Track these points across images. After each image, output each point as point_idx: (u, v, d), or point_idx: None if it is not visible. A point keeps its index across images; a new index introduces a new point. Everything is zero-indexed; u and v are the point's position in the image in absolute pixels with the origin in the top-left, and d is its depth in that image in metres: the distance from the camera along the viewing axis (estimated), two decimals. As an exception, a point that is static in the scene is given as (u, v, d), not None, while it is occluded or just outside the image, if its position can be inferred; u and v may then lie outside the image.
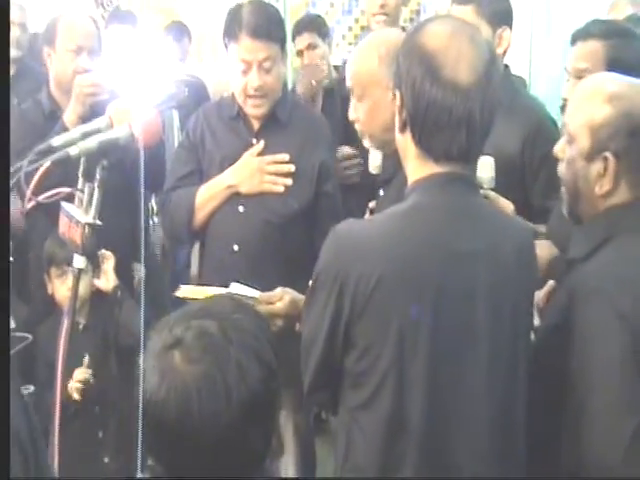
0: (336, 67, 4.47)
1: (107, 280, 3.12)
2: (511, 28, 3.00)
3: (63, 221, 2.32)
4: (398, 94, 1.76)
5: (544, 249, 2.30)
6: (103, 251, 3.08)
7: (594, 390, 1.72)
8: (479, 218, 1.80)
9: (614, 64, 2.39)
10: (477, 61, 1.71)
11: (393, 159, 2.39)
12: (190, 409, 1.33)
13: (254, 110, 2.89)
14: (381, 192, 2.54)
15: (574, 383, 1.76)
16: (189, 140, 3.03)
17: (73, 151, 2.20)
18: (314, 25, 4.52)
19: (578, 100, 1.93)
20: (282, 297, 2.22)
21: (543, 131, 2.84)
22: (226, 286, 2.52)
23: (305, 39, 4.38)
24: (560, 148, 1.97)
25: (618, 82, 1.90)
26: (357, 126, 2.47)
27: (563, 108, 2.54)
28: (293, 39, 4.39)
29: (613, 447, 1.69)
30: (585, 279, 1.81)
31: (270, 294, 2.23)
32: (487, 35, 2.94)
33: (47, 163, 2.18)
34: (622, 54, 2.46)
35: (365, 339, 1.71)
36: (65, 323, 2.33)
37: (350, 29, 5.53)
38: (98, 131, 2.33)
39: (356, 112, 2.44)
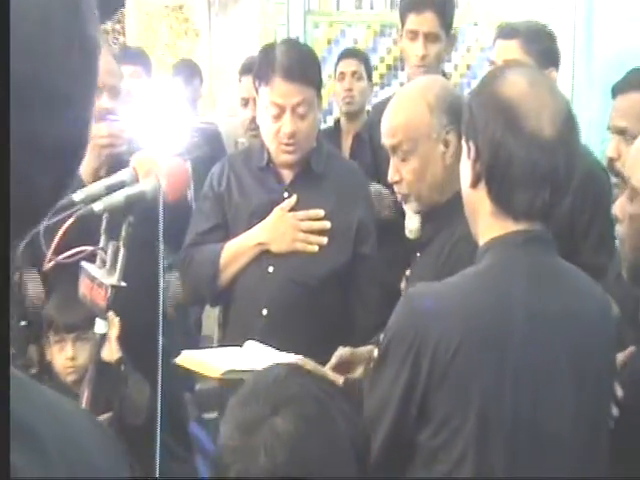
0: (367, 111, 4.61)
1: (110, 350, 3.05)
2: (557, 70, 3.06)
3: (84, 282, 2.37)
4: (473, 146, 1.80)
5: None
6: (110, 314, 3.08)
7: None
8: (560, 279, 1.85)
9: None
10: (559, 112, 1.78)
11: (432, 221, 2.49)
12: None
13: (286, 157, 2.90)
14: (418, 254, 2.57)
15: None
16: (213, 191, 3.04)
17: (97, 207, 2.26)
18: (362, 56, 4.88)
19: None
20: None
21: (595, 180, 2.89)
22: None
23: (351, 64, 4.71)
24: (619, 207, 2.01)
25: None
26: (399, 188, 2.49)
27: (610, 168, 2.59)
28: (337, 63, 4.66)
29: None
30: None
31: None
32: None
33: (70, 219, 2.22)
34: None
35: (443, 411, 1.73)
36: (85, 395, 2.37)
37: (375, 68, 5.61)
38: (122, 184, 2.40)
39: (399, 173, 2.45)
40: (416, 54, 3.51)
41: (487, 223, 1.83)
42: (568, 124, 1.78)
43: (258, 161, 3.01)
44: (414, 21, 3.51)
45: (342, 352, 2.36)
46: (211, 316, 4.86)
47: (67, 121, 0.80)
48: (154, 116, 2.60)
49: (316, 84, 2.92)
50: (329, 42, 5.82)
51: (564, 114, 1.78)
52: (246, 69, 3.89)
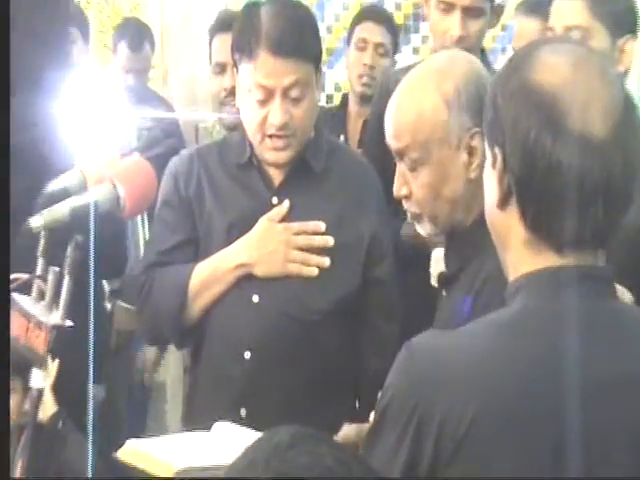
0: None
1: (44, 405, 3.09)
2: (636, 38, 3.08)
3: (17, 321, 2.36)
4: (499, 153, 1.75)
5: None
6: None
7: None
8: (619, 331, 1.80)
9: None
10: (614, 103, 1.73)
11: (456, 250, 2.48)
12: None
13: (275, 154, 2.89)
14: (444, 293, 2.54)
15: None
16: (179, 196, 3.01)
17: (36, 222, 2.27)
18: (392, 24, 4.80)
19: None
20: None
21: None
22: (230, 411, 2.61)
23: (377, 33, 4.64)
24: None
25: None
26: (408, 205, 2.48)
27: None
28: (355, 24, 4.64)
29: None
30: None
31: None
32: (604, 45, 3.02)
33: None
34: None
35: None
36: (19, 465, 2.38)
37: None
38: (66, 192, 2.40)
39: (407, 186, 2.44)
40: (451, 34, 3.46)
41: (519, 254, 1.78)
42: (626, 119, 1.72)
43: (238, 157, 2.99)
44: None
45: (347, 431, 2.36)
46: (165, 357, 4.90)
47: None
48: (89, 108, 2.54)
49: (315, 58, 2.90)
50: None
51: (621, 106, 1.73)
52: (220, 26, 3.90)
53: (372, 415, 1.87)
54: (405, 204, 2.46)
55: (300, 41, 2.85)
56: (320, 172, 2.95)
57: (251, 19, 2.88)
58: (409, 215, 2.50)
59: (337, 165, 2.98)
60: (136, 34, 5.61)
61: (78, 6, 5.34)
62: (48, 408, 3.10)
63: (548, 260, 1.75)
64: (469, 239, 2.42)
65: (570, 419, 1.68)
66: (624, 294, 2.46)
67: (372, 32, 4.64)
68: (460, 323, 2.15)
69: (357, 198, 2.97)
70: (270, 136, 2.85)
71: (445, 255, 2.55)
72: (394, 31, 4.78)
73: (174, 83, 6.29)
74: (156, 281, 2.96)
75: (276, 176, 2.96)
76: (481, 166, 2.23)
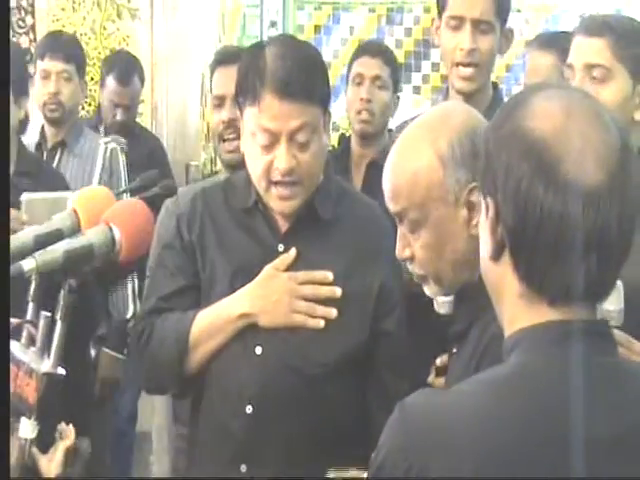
0: (389, 130, 4.61)
1: (51, 465, 3.10)
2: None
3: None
4: (491, 204, 1.74)
5: None
6: (63, 425, 3.09)
7: None
8: (619, 388, 1.78)
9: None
10: (608, 151, 1.70)
11: (466, 303, 2.45)
12: None
13: (281, 204, 2.82)
14: (454, 350, 2.52)
15: None
16: (181, 240, 2.95)
17: (28, 265, 2.27)
18: (391, 57, 4.79)
19: None
20: None
21: None
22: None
23: (374, 67, 4.63)
24: None
25: None
26: (412, 267, 2.45)
27: None
28: (353, 60, 4.65)
29: None
30: None
31: None
32: (624, 88, 3.02)
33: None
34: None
35: None
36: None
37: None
38: (59, 234, 2.40)
39: (410, 248, 2.42)
40: (461, 47, 3.51)
41: (514, 308, 1.76)
42: (622, 165, 1.70)
43: (243, 200, 2.94)
44: (460, 3, 3.52)
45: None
46: (150, 405, 4.88)
47: None
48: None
49: (322, 100, 2.84)
50: (317, 30, 5.85)
51: (617, 154, 1.70)
52: (221, 60, 3.91)
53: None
54: (409, 266, 2.43)
55: (307, 82, 2.78)
56: (328, 219, 2.89)
57: (256, 60, 2.82)
58: (416, 276, 2.45)
59: (346, 212, 2.92)
60: (125, 67, 5.60)
61: (76, 40, 5.29)
62: (54, 468, 3.11)
63: (543, 315, 1.73)
64: (477, 295, 2.29)
65: (567, 475, 1.66)
66: (634, 345, 2.47)
67: (368, 65, 4.64)
68: None
69: (366, 247, 2.92)
70: (276, 183, 2.78)
71: (454, 310, 2.52)
72: (392, 64, 4.74)
73: (163, 119, 6.31)
74: (156, 328, 2.91)
75: (283, 222, 2.90)
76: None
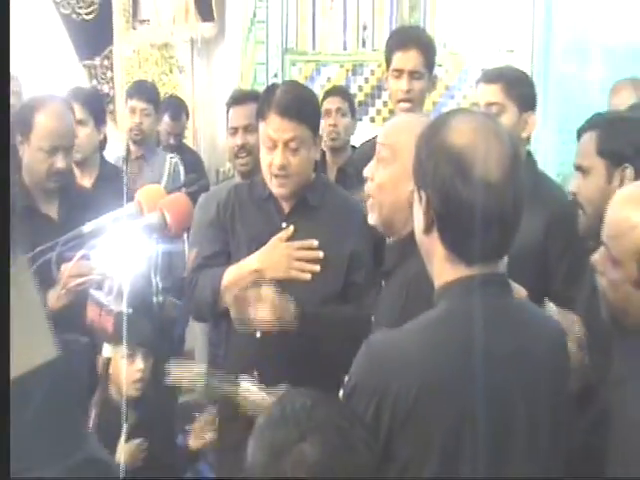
0: (353, 147, 4.61)
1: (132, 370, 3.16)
2: (535, 113, 3.09)
3: (92, 309, 2.33)
4: (424, 195, 1.73)
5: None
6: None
7: None
8: (514, 319, 1.80)
9: (604, 151, 2.51)
10: (504, 156, 1.70)
11: (396, 249, 2.40)
12: None
13: (278, 190, 2.86)
14: (383, 284, 2.48)
15: None
16: (219, 219, 3.01)
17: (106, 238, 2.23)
18: (346, 94, 4.94)
19: (620, 220, 1.96)
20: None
21: (567, 218, 2.85)
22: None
23: (335, 102, 4.77)
24: (600, 262, 2.01)
25: None
26: (367, 188, 2.39)
27: (574, 201, 2.61)
28: (322, 100, 4.61)
29: None
30: (623, 405, 1.86)
31: None
32: (513, 117, 3.05)
33: (81, 251, 2.20)
34: (611, 141, 2.53)
35: (406, 452, 1.67)
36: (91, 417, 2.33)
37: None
38: (130, 217, 2.37)
39: (375, 174, 2.35)
40: (401, 89, 3.56)
41: (441, 267, 1.75)
42: (514, 164, 1.70)
43: (261, 193, 2.97)
44: (400, 59, 3.56)
45: None
46: (193, 333, 4.84)
47: None
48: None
49: (311, 123, 2.86)
50: (305, 79, 5.75)
51: (510, 155, 1.70)
52: (234, 101, 3.88)
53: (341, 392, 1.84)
54: (368, 187, 2.37)
55: (300, 109, 2.82)
56: (316, 205, 2.91)
57: (269, 94, 2.89)
58: (369, 204, 2.39)
59: (329, 200, 2.93)
60: (175, 107, 5.57)
61: (154, 87, 5.24)
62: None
63: (462, 272, 1.73)
64: (403, 245, 2.32)
65: (482, 387, 1.67)
66: (520, 291, 2.45)
67: (332, 102, 4.78)
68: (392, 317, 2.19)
69: (343, 224, 2.90)
70: (275, 176, 2.83)
71: (386, 255, 2.48)
72: (349, 99, 4.90)
73: (201, 140, 6.27)
74: (199, 279, 2.96)
75: (286, 207, 2.93)
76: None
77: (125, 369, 3.08)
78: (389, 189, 2.32)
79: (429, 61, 3.58)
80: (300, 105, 2.84)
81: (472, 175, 1.65)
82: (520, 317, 1.82)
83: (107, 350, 2.32)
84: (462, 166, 1.66)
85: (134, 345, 3.06)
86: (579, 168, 2.59)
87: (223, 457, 3.11)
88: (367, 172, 2.37)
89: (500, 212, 1.68)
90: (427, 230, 1.74)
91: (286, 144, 2.80)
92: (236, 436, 2.86)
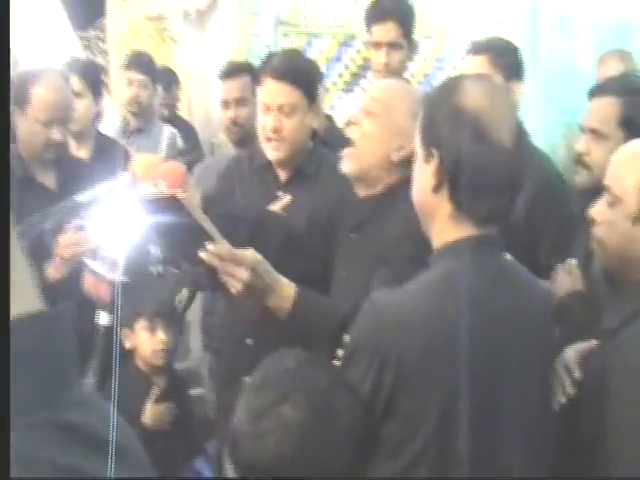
0: (328, 116, 4.58)
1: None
2: (523, 82, 3.09)
3: (88, 278, 2.36)
4: (436, 153, 1.75)
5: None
6: None
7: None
8: (510, 280, 1.85)
9: (627, 123, 2.49)
10: (514, 121, 1.77)
11: (369, 204, 2.44)
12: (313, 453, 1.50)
13: (272, 153, 2.82)
14: (352, 236, 2.50)
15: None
16: (219, 186, 3.00)
17: (101, 208, 2.25)
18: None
19: (625, 162, 1.99)
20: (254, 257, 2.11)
21: (552, 189, 2.89)
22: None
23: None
24: (598, 211, 2.02)
25: None
26: (355, 134, 2.43)
27: (579, 162, 2.61)
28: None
29: None
30: (624, 354, 1.86)
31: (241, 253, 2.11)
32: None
33: (77, 221, 2.22)
34: (635, 113, 2.52)
35: (407, 409, 1.70)
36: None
37: (340, 75, 5.62)
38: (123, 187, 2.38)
39: (363, 123, 2.41)
40: (380, 62, 3.60)
41: (445, 226, 1.78)
42: (521, 134, 1.78)
43: (260, 161, 2.94)
44: (377, 32, 3.61)
45: None
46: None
47: None
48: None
49: (306, 89, 2.81)
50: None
51: (517, 122, 1.78)
52: (226, 73, 3.87)
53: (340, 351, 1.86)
54: (349, 130, 2.46)
55: (295, 73, 2.79)
56: (312, 175, 2.88)
57: (267, 60, 2.96)
58: (347, 156, 2.44)
59: (326, 170, 2.86)
60: (168, 79, 5.54)
61: (152, 58, 5.19)
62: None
63: (467, 231, 1.76)
64: (377, 202, 2.39)
65: (479, 345, 1.71)
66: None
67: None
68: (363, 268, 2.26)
69: (331, 191, 2.83)
70: (269, 139, 2.81)
71: (357, 209, 2.50)
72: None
73: (195, 112, 6.25)
74: None
75: (282, 176, 2.90)
76: (404, 158, 2.29)
77: (147, 341, 3.11)
78: (375, 141, 2.37)
79: (407, 31, 3.64)
80: (295, 70, 2.82)
81: (488, 139, 1.70)
82: (516, 278, 1.87)
83: (104, 318, 2.34)
84: (479, 130, 1.70)
85: (153, 317, 3.07)
86: (593, 131, 2.58)
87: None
88: (352, 117, 2.44)
89: (510, 175, 1.74)
90: (436, 189, 1.77)
91: (280, 108, 2.77)
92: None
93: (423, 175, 1.80)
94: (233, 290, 2.09)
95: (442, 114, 1.75)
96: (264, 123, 2.81)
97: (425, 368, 1.68)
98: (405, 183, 2.42)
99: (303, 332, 2.22)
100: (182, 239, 2.16)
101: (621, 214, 1.94)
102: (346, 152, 2.44)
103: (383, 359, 1.68)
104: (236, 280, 2.07)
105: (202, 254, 2.07)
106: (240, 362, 2.86)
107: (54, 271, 2.65)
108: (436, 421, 1.69)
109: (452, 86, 1.80)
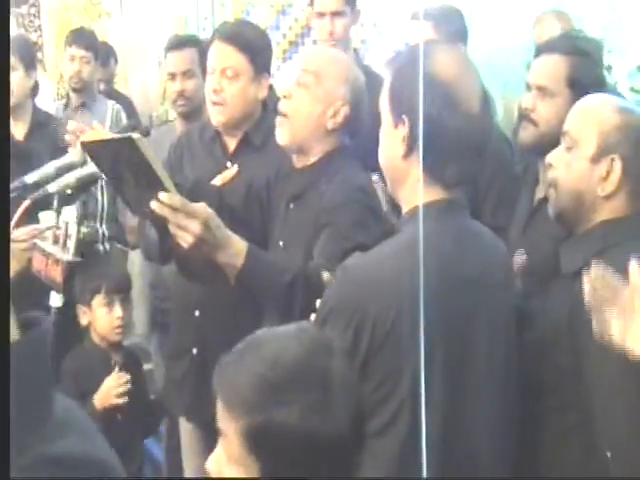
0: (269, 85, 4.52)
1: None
2: (465, 46, 3.08)
3: (38, 258, 2.29)
4: (406, 120, 1.74)
5: None
6: None
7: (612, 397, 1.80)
8: (476, 242, 1.86)
9: (575, 82, 2.50)
10: (480, 87, 1.78)
11: (306, 174, 2.44)
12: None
13: (215, 117, 2.75)
14: (291, 206, 2.50)
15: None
16: (169, 160, 2.91)
17: (52, 188, 2.19)
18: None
19: (584, 110, 2.05)
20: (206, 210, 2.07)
21: (496, 151, 2.88)
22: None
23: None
24: (555, 156, 2.05)
25: (623, 101, 2.10)
26: (286, 106, 2.43)
27: (524, 117, 2.60)
28: None
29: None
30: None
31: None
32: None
33: (27, 201, 2.15)
34: (583, 73, 2.53)
35: (382, 371, 1.71)
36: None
37: (278, 44, 5.56)
38: (71, 166, 2.31)
39: (293, 94, 2.42)
40: (325, 31, 3.59)
41: (414, 190, 1.77)
42: (487, 99, 1.78)
43: (209, 132, 2.88)
44: (321, 2, 3.60)
45: None
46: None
47: None
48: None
49: (253, 56, 2.74)
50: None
51: (484, 90, 1.78)
52: (171, 46, 3.80)
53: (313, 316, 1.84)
54: (280, 104, 2.46)
55: (241, 38, 2.73)
56: (259, 145, 2.81)
57: (218, 28, 2.91)
58: (281, 124, 2.46)
59: (273, 140, 2.67)
60: (104, 53, 5.40)
61: (94, 34, 5.09)
62: None
63: (437, 195, 1.77)
64: (315, 170, 2.41)
65: (451, 305, 1.73)
66: None
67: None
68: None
69: (278, 161, 2.73)
70: (212, 103, 2.75)
71: (295, 178, 2.51)
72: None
73: (133, 86, 6.15)
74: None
75: (231, 146, 2.84)
76: (340, 124, 2.37)
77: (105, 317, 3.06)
78: (308, 112, 2.38)
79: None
80: (242, 34, 2.76)
81: (459, 105, 1.72)
82: (482, 239, 1.89)
83: (56, 300, 2.27)
84: (450, 96, 1.71)
85: (111, 293, 3.03)
86: (540, 88, 2.57)
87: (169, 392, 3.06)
88: (284, 91, 2.42)
89: (479, 139, 1.77)
90: (406, 155, 1.77)
91: (223, 71, 2.71)
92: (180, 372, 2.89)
93: (392, 141, 1.80)
94: (184, 243, 2.02)
95: (411, 81, 1.73)
96: (208, 86, 2.76)
97: (398, 330, 1.67)
98: (341, 149, 2.44)
99: (253, 290, 2.20)
100: (134, 188, 2.07)
101: (579, 155, 1.98)
102: (279, 122, 2.43)
103: (359, 322, 1.68)
104: (188, 233, 2.01)
105: (153, 204, 2.00)
106: (188, 334, 2.85)
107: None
108: (409, 381, 1.69)
109: (417, 55, 1.76)
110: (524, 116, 2.59)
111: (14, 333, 0.80)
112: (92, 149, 2.13)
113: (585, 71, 2.53)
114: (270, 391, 1.40)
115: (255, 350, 1.46)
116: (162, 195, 1.98)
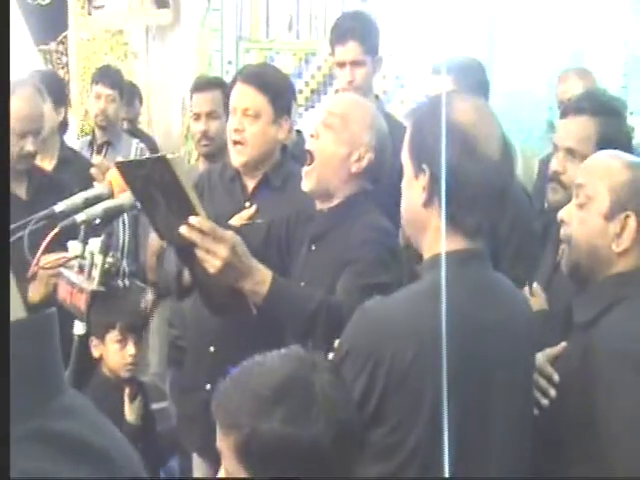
0: (298, 131, 4.57)
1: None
2: (487, 99, 3.11)
3: (64, 288, 2.31)
4: (427, 169, 1.76)
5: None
6: None
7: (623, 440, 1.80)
8: (496, 292, 1.86)
9: (604, 143, 2.48)
10: (500, 136, 1.78)
11: (329, 215, 2.48)
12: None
13: (235, 157, 2.80)
14: (313, 247, 2.52)
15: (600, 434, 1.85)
16: None
17: (80, 218, 2.21)
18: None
19: (594, 166, 2.08)
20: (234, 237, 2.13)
21: (517, 204, 2.89)
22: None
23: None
24: (568, 212, 2.08)
25: (632, 157, 2.10)
26: (312, 145, 2.48)
27: (554, 179, 2.62)
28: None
29: None
30: (607, 340, 1.89)
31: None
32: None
33: (55, 229, 2.18)
34: (612, 133, 2.54)
35: (397, 414, 1.71)
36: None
37: (300, 92, 5.62)
38: (99, 198, 2.34)
39: (320, 135, 2.47)
40: (345, 79, 3.63)
41: (435, 238, 1.78)
42: (508, 147, 1.79)
43: (230, 172, 2.92)
44: (340, 52, 3.64)
45: None
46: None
47: None
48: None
49: (272, 96, 2.79)
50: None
51: (504, 138, 1.78)
52: (197, 87, 3.86)
53: (331, 355, 1.85)
54: (308, 143, 2.52)
55: (262, 79, 2.80)
56: (278, 187, 2.86)
57: (240, 70, 3.00)
58: (306, 171, 2.50)
59: (291, 183, 2.81)
60: (130, 93, 5.46)
61: (119, 73, 5.16)
62: None
63: (457, 244, 1.77)
64: (338, 212, 2.45)
65: (467, 354, 1.73)
66: None
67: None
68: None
69: (299, 204, 2.79)
70: (233, 142, 2.80)
71: (317, 220, 2.54)
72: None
73: (156, 126, 6.21)
74: (167, 253, 2.85)
75: (250, 187, 2.88)
76: (363, 169, 2.42)
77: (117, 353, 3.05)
78: (332, 151, 2.43)
79: (370, 47, 3.64)
80: (263, 76, 2.82)
81: (478, 154, 1.72)
82: (501, 291, 1.88)
83: (79, 328, 2.29)
84: (469, 144, 1.72)
85: (125, 330, 3.01)
86: (569, 150, 2.58)
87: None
88: (311, 130, 2.47)
89: (499, 187, 1.76)
90: (427, 204, 1.77)
91: (244, 111, 2.77)
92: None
93: (413, 190, 1.81)
94: (211, 268, 2.08)
95: (432, 130, 1.75)
96: (229, 126, 2.82)
97: (415, 375, 1.67)
98: (364, 194, 2.47)
99: (277, 318, 2.23)
100: (164, 211, 2.12)
101: (592, 212, 2.01)
102: (305, 170, 2.47)
103: (376, 363, 1.68)
104: (216, 257, 2.07)
105: (182, 228, 2.04)
106: (202, 370, 2.85)
107: (32, 293, 2.63)
108: (425, 427, 1.69)
109: (440, 102, 1.79)
110: (554, 179, 2.60)
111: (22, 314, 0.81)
112: (126, 170, 2.17)
113: (614, 131, 2.55)
114: (256, 404, 1.47)
115: (247, 372, 1.55)
116: (192, 219, 2.03)
